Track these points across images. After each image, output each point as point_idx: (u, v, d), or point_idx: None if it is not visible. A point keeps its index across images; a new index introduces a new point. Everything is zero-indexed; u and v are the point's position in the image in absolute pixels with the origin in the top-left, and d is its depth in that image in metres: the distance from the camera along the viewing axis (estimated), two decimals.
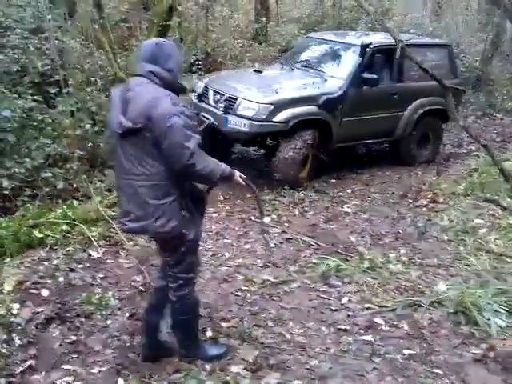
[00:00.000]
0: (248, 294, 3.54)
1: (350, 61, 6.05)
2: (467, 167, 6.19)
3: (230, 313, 3.28)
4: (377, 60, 5.89)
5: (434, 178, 6.04)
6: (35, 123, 5.11)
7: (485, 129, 8.58)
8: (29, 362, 2.71)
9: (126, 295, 3.33)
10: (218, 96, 5.71)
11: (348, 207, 5.36)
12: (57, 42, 5.88)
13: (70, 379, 2.61)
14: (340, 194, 5.73)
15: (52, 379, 2.61)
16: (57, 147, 5.02)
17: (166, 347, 2.77)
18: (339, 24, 11.85)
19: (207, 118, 5.68)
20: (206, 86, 6.01)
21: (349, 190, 5.83)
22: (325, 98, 5.61)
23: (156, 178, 2.32)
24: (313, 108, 5.58)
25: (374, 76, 5.83)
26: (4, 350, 2.71)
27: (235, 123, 5.42)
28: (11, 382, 2.56)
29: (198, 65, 8.71)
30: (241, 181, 2.57)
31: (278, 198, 5.46)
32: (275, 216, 5.04)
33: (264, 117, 5.35)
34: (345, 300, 3.47)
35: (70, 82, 5.56)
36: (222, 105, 5.56)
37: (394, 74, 6.25)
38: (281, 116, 5.37)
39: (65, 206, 4.44)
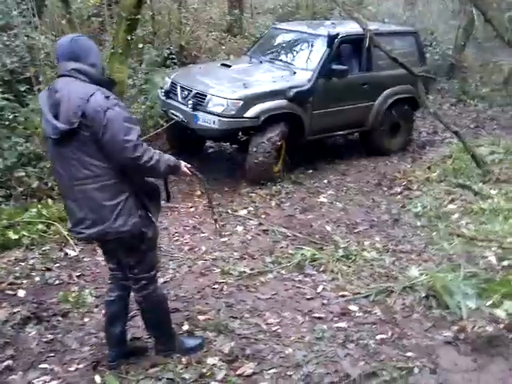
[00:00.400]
0: (225, 287, 3.58)
1: (318, 52, 5.97)
2: (441, 154, 6.29)
3: (206, 305, 3.32)
4: (345, 50, 5.86)
5: (409, 166, 6.15)
6: (7, 122, 5.03)
7: (459, 115, 8.72)
8: (6, 363, 2.72)
9: (103, 292, 3.32)
10: (186, 92, 5.61)
11: (324, 197, 5.42)
12: (26, 38, 5.78)
13: (47, 378, 2.62)
14: (316, 184, 5.78)
15: (29, 378, 2.62)
16: (29, 146, 4.96)
17: (135, 351, 2.79)
18: (314, 14, 11.87)
19: (176, 116, 5.62)
20: (173, 82, 5.89)
21: (325, 181, 5.89)
22: (294, 91, 5.52)
23: (104, 178, 2.27)
24: (283, 102, 5.51)
25: (344, 67, 5.80)
26: None
27: (204, 120, 5.33)
28: None
29: (172, 59, 8.63)
30: (187, 171, 2.55)
31: (255, 191, 5.49)
32: (252, 208, 5.08)
33: (234, 113, 5.26)
34: (320, 289, 3.54)
35: (40, 79, 5.48)
36: (191, 101, 5.44)
37: (362, 64, 6.24)
38: (251, 111, 5.29)
39: (40, 205, 4.41)
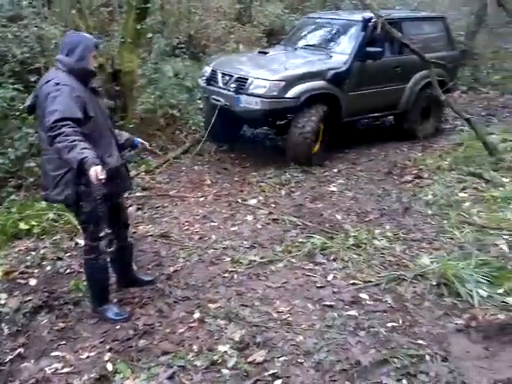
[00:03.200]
0: (235, 275, 3.58)
1: (352, 36, 6.18)
2: (452, 142, 6.23)
3: (217, 294, 3.33)
4: (378, 34, 5.91)
5: (420, 154, 6.08)
6: (17, 113, 5.06)
7: (470, 103, 8.60)
8: (18, 351, 2.75)
9: (114, 281, 3.35)
10: (227, 78, 5.83)
11: (334, 186, 5.38)
12: (36, 28, 5.79)
13: (59, 365, 2.65)
14: (326, 173, 5.75)
15: (41, 366, 2.65)
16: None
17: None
18: (324, 2, 11.73)
19: (218, 100, 5.82)
20: (213, 70, 6.13)
21: (335, 170, 5.85)
22: (332, 72, 5.71)
23: (50, 152, 2.64)
24: (322, 83, 5.68)
25: (378, 49, 5.96)
26: None
27: (247, 102, 5.52)
28: (0, 371, 2.60)
29: (181, 48, 8.61)
30: (94, 179, 2.44)
31: (265, 180, 5.48)
32: (262, 197, 5.06)
33: (275, 93, 5.44)
34: (330, 277, 3.52)
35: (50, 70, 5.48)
36: (233, 85, 5.66)
37: (394, 48, 6.39)
38: (292, 92, 5.48)
39: None
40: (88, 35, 2.91)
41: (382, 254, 3.74)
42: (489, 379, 2.47)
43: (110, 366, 2.58)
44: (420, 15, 7.28)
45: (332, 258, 3.79)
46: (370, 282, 3.42)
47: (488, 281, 3.17)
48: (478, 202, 4.48)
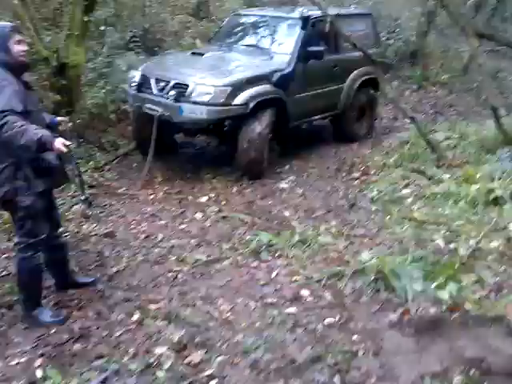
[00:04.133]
0: (179, 275, 3.56)
1: (292, 35, 5.89)
2: (400, 139, 6.39)
3: (159, 294, 3.30)
4: (316, 33, 5.87)
5: (368, 152, 6.22)
6: None
7: (420, 101, 8.85)
8: None
9: (51, 284, 3.27)
10: (163, 84, 5.26)
11: (285, 183, 5.44)
12: None
13: None
14: (278, 170, 5.80)
15: None
16: None
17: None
18: None
19: (154, 110, 5.20)
20: (143, 75, 5.52)
21: (287, 167, 5.91)
22: (278, 75, 5.42)
23: None
24: (268, 87, 5.35)
25: (320, 48, 5.78)
26: None
27: (190, 111, 5.01)
28: None
29: (136, 41, 8.44)
30: (62, 148, 2.62)
31: (217, 177, 5.47)
32: (213, 195, 5.07)
33: (222, 100, 5.01)
34: (274, 274, 3.55)
35: None
36: (172, 92, 5.10)
37: (331, 46, 6.21)
38: (240, 98, 5.07)
39: None
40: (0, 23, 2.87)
41: (326, 250, 3.80)
42: (417, 373, 2.56)
43: (39, 373, 2.52)
44: (351, 12, 7.19)
45: (277, 254, 3.83)
46: (312, 278, 3.48)
47: (423, 275, 3.27)
48: (420, 198, 4.62)
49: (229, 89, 5.06)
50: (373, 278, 3.35)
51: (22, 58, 2.72)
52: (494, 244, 3.46)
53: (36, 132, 2.54)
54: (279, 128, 5.62)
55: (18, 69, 2.71)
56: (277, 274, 3.56)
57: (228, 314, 3.10)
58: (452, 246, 3.54)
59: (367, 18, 6.96)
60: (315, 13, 6.09)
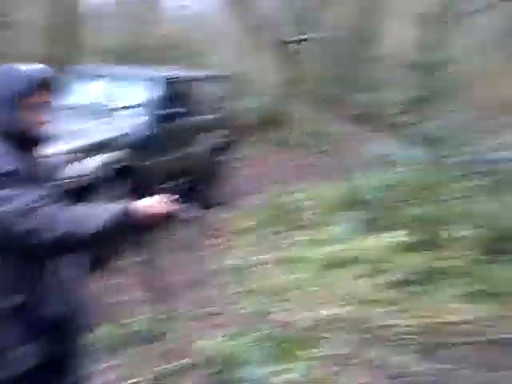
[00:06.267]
0: None
1: (148, 95, 5.49)
2: (259, 203, 6.26)
3: None
4: (172, 94, 5.64)
5: (228, 216, 5.98)
6: None
7: (280, 162, 9.01)
8: None
9: None
10: None
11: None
12: None
13: None
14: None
15: None
16: None
17: None
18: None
19: None
20: None
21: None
22: (133, 139, 4.90)
23: None
24: (121, 153, 4.70)
25: (180, 109, 5.55)
26: None
27: None
28: None
29: None
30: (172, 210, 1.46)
31: None
32: None
33: (68, 171, 4.31)
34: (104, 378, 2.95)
35: None
36: None
37: (186, 109, 5.88)
38: (88, 167, 4.38)
39: None
40: (19, 68, 1.52)
41: (164, 341, 3.29)
42: None
43: None
44: (209, 74, 7.01)
45: (110, 353, 3.23)
46: (148, 379, 2.94)
47: (266, 357, 2.93)
48: (275, 263, 4.39)
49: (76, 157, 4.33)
50: (217, 369, 2.92)
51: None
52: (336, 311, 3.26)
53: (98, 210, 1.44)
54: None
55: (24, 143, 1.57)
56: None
57: None
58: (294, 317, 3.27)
59: (225, 80, 7.00)
60: (169, 73, 5.98)
